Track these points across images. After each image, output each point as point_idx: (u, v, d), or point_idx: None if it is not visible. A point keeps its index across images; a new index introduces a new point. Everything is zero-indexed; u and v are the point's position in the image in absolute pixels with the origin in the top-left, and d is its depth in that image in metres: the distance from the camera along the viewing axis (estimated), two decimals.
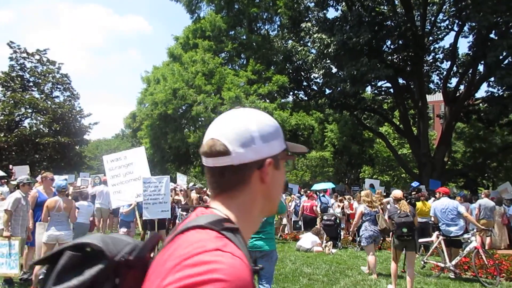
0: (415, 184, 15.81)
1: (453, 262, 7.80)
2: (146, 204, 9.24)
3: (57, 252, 0.81)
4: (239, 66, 25.18)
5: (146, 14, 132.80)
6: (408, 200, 8.12)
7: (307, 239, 11.12)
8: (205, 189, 13.44)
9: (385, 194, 16.06)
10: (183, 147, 22.43)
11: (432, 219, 8.92)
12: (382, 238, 9.94)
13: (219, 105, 21.40)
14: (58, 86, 30.72)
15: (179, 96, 21.40)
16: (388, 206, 8.60)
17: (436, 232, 8.51)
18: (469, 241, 7.83)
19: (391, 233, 7.15)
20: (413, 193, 12.44)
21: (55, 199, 6.52)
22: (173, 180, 15.52)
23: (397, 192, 7.49)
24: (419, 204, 10.54)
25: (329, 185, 20.43)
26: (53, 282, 0.76)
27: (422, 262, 8.41)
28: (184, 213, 10.91)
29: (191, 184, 20.52)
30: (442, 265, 7.94)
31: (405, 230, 6.57)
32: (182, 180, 14.28)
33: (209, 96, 21.64)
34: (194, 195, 11.92)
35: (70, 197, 7.39)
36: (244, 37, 24.72)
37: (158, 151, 24.01)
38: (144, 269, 0.83)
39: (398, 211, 6.77)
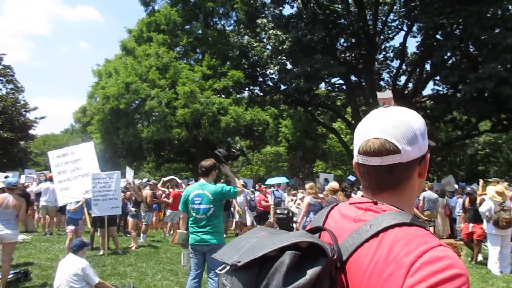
0: (351, 178, 16.70)
1: None
2: (96, 200, 8.95)
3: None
4: (195, 61, 24.85)
5: (98, 5, 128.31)
6: (344, 192, 8.72)
7: None
8: (158, 185, 13.20)
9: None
10: (135, 142, 21.89)
11: None
12: None
13: (173, 99, 21.04)
14: (0, 78, 28.98)
15: (132, 90, 20.83)
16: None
17: None
18: None
19: None
20: (354, 188, 13.08)
21: (4, 196, 6.14)
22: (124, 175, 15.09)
23: (334, 184, 8.20)
24: None
25: (282, 180, 20.72)
26: (283, 282, 0.79)
27: None
28: (134, 209, 10.62)
29: (144, 180, 20.10)
30: None
31: None
32: (130, 174, 13.96)
33: (163, 90, 21.22)
34: (147, 191, 11.66)
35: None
36: (200, 31, 24.41)
37: (110, 146, 23.28)
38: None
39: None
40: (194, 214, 4.63)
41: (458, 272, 0.80)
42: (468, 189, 10.23)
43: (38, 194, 12.53)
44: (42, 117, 31.23)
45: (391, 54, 26.05)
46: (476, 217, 8.78)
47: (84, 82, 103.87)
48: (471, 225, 8.96)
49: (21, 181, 14.85)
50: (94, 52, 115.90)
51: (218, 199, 4.60)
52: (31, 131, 30.55)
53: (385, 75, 27.32)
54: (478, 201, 8.92)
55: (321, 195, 8.90)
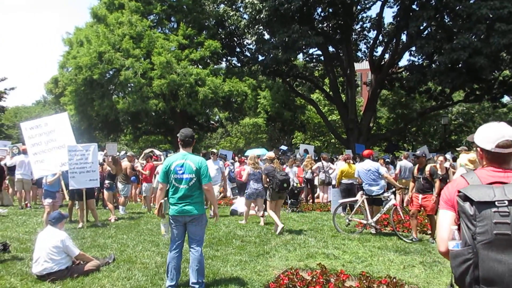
0: (284, 147, 17.20)
1: (374, 219, 8.41)
2: (73, 173, 8.82)
3: None
4: (170, 30, 24.21)
5: None
6: (280, 161, 9.96)
7: (241, 204, 11.33)
8: (139, 158, 13.08)
9: (316, 158, 16.73)
10: (111, 114, 21.46)
11: (357, 180, 9.48)
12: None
13: (149, 70, 20.58)
14: None
15: (105, 60, 20.21)
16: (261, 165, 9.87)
17: (360, 192, 9.07)
18: (388, 199, 8.45)
19: (272, 188, 8.55)
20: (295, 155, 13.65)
21: None
22: (102, 148, 14.92)
23: (270, 154, 9.17)
24: (345, 167, 11.13)
25: (262, 151, 20.85)
26: None
27: (347, 221, 8.94)
28: (107, 181, 10.50)
29: (122, 152, 19.87)
30: (365, 222, 8.53)
31: (285, 185, 8.41)
32: (113, 148, 13.76)
33: (138, 60, 20.69)
34: (126, 163, 11.55)
35: None
36: None
37: (85, 118, 22.77)
38: None
39: (276, 170, 8.60)
40: (176, 184, 4.62)
41: None
42: (418, 152, 9.16)
43: (11, 168, 12.26)
44: (12, 88, 30.18)
45: (368, 25, 26.02)
46: (425, 187, 7.81)
47: (54, 51, 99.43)
48: (421, 196, 7.81)
49: None
50: (63, 19, 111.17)
51: (199, 171, 4.62)
52: (1, 103, 29.52)
53: (362, 46, 27.39)
54: (427, 168, 7.86)
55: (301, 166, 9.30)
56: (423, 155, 8.30)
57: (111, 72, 21.34)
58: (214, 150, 13.42)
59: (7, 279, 5.22)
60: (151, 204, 12.01)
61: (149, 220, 9.86)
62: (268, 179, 8.61)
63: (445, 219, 2.11)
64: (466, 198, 1.95)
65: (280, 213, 8.93)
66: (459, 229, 2.01)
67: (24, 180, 11.74)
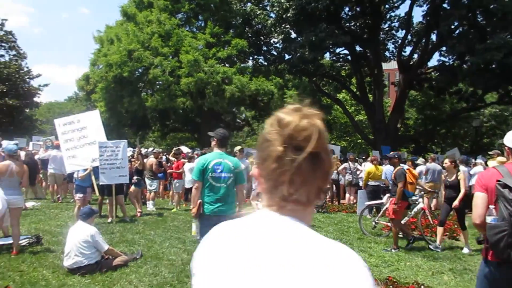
0: None
1: (402, 222, 8.26)
2: (103, 169, 9.04)
3: None
4: (197, 28, 24.47)
5: None
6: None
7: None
8: (170, 155, 13.26)
9: (341, 159, 16.59)
10: (140, 112, 21.87)
11: (384, 182, 9.34)
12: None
13: (177, 68, 20.87)
14: (2, 44, 28.62)
15: (135, 58, 20.63)
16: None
17: (387, 195, 8.92)
18: (416, 202, 8.28)
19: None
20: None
21: (6, 164, 6.18)
22: (131, 145, 15.23)
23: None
24: (372, 169, 10.99)
25: None
26: None
27: (374, 223, 8.83)
28: (135, 177, 10.72)
29: (150, 149, 20.25)
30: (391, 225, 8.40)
31: None
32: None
33: (166, 59, 21.02)
34: (152, 159, 11.75)
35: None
36: None
37: (114, 115, 23.29)
38: None
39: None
40: (213, 183, 4.61)
41: None
42: (391, 153, 8.43)
43: (44, 161, 12.64)
44: (46, 85, 31.08)
45: (397, 24, 25.43)
46: (393, 190, 7.35)
47: (86, 48, 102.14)
48: (391, 199, 7.40)
49: (29, 148, 14.99)
50: (94, 17, 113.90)
51: (236, 170, 4.67)
52: (35, 99, 30.47)
53: (390, 46, 26.84)
54: (394, 171, 7.31)
55: None
56: (396, 156, 7.72)
57: (140, 70, 21.77)
58: (239, 147, 12.72)
59: (40, 271, 5.42)
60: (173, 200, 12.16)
61: (176, 217, 10.00)
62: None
63: (481, 199, 2.65)
64: (505, 186, 2.50)
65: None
66: (495, 208, 2.53)
67: (57, 174, 12.08)
